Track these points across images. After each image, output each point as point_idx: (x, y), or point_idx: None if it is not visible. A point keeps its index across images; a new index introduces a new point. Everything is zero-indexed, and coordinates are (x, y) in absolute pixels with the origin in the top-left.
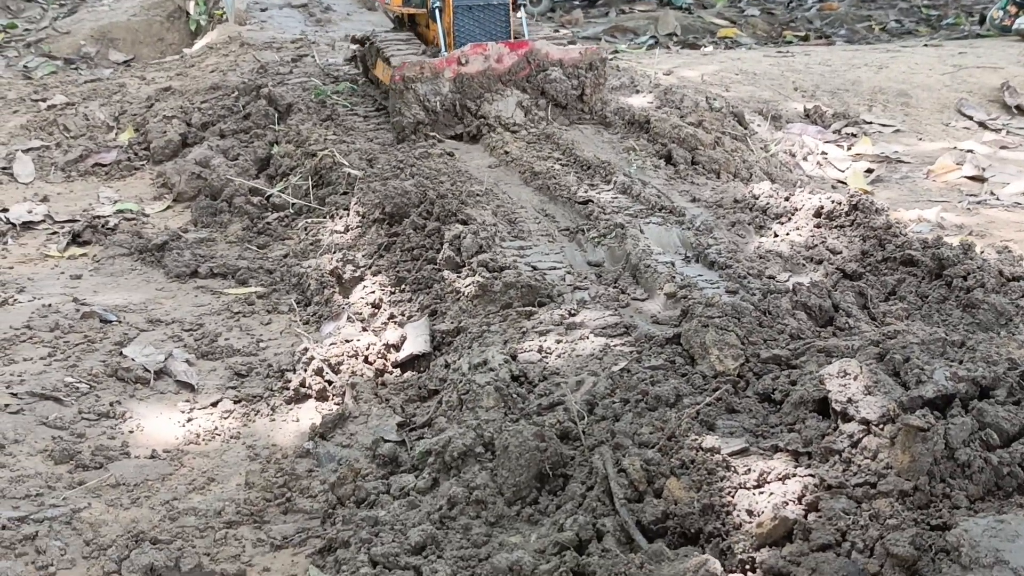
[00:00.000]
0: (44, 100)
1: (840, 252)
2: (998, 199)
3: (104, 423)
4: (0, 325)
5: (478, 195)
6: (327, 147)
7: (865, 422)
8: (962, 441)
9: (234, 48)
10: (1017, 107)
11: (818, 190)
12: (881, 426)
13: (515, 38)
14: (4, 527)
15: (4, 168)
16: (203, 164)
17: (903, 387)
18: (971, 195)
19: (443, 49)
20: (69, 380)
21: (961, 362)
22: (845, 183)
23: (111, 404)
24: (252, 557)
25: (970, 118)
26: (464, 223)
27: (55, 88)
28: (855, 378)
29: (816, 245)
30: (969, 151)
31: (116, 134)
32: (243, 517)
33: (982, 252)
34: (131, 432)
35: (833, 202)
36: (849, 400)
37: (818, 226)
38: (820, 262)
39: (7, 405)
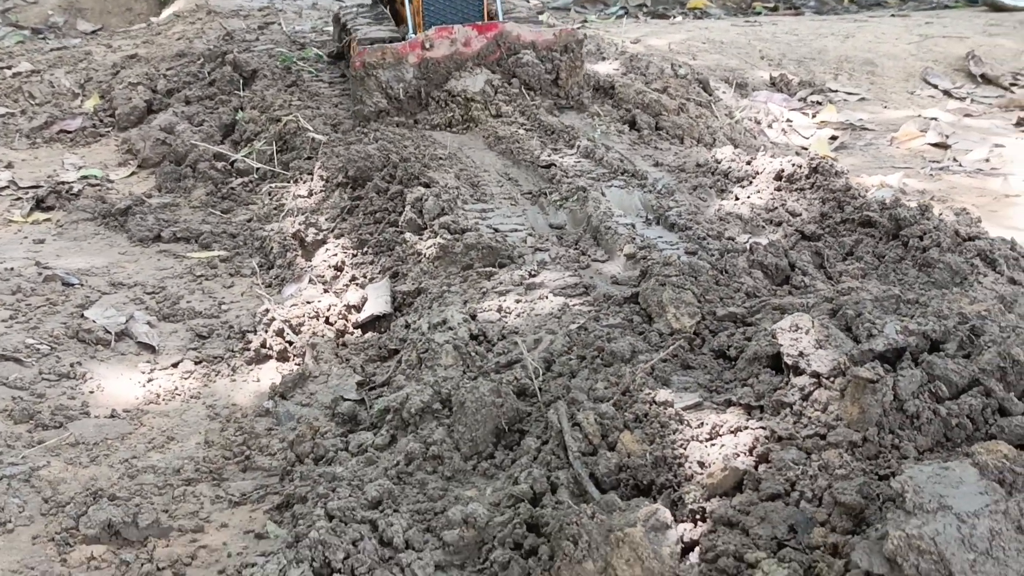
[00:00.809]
0: (9, 68)
1: (799, 214)
2: (961, 166)
3: (64, 383)
4: None
5: (441, 159)
6: (292, 112)
7: (816, 375)
8: (911, 393)
9: (201, 16)
10: (982, 76)
11: (780, 155)
12: (832, 379)
13: (489, 19)
14: None
15: None
16: (168, 130)
17: (854, 341)
18: (934, 162)
19: (410, 31)
20: (30, 342)
21: (912, 317)
22: (808, 149)
23: (72, 365)
24: (210, 514)
25: (935, 87)
26: (427, 186)
27: (20, 56)
28: (807, 332)
29: (776, 208)
30: (933, 119)
31: (81, 101)
32: (202, 475)
33: (940, 214)
34: (91, 392)
35: (793, 165)
36: (800, 354)
37: (778, 189)
38: (779, 224)
39: None
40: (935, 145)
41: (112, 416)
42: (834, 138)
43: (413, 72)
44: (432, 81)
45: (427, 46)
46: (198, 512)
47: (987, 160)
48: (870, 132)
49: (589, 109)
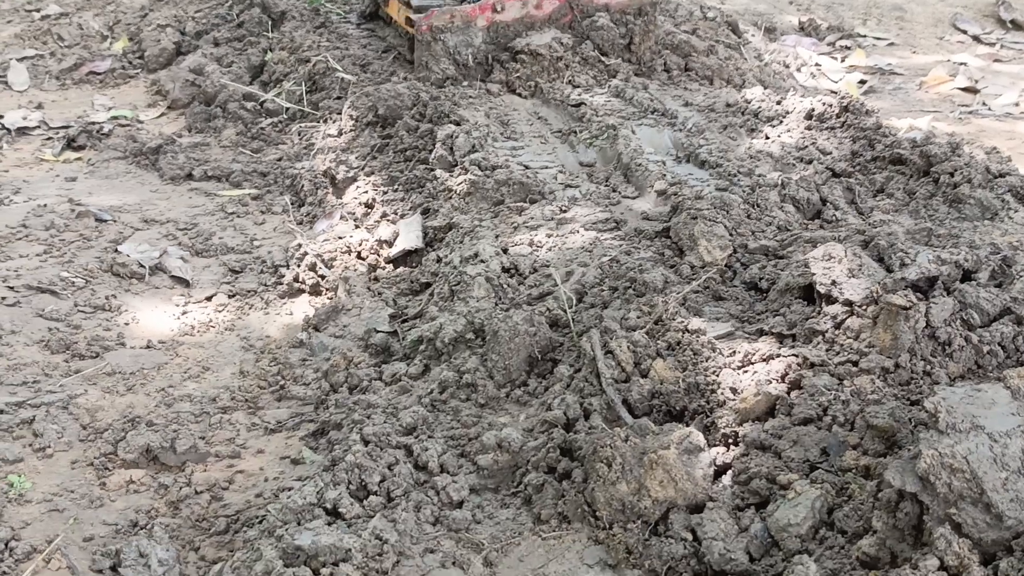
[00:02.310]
0: (38, 10)
1: (830, 152)
2: (990, 109)
3: (100, 315)
4: None
5: (471, 97)
6: (321, 53)
7: (848, 303)
8: (943, 320)
9: None
10: (1012, 21)
11: (810, 95)
12: (864, 307)
13: None
14: (2, 411)
15: None
16: (197, 72)
17: (887, 271)
18: (963, 106)
19: None
20: (65, 275)
21: (944, 248)
22: (837, 93)
23: (106, 298)
24: (246, 440)
25: (964, 32)
26: (457, 124)
27: None
28: (839, 261)
29: (807, 146)
30: (962, 63)
31: (110, 43)
32: (237, 403)
33: (970, 151)
34: (126, 324)
35: (824, 104)
36: (833, 283)
37: (809, 128)
38: (810, 162)
39: (3, 298)
40: (964, 89)
41: (148, 347)
42: (863, 82)
43: (482, 36)
44: (501, 46)
45: (498, 8)
46: (234, 439)
47: (1016, 104)
48: (899, 76)
49: (661, 77)
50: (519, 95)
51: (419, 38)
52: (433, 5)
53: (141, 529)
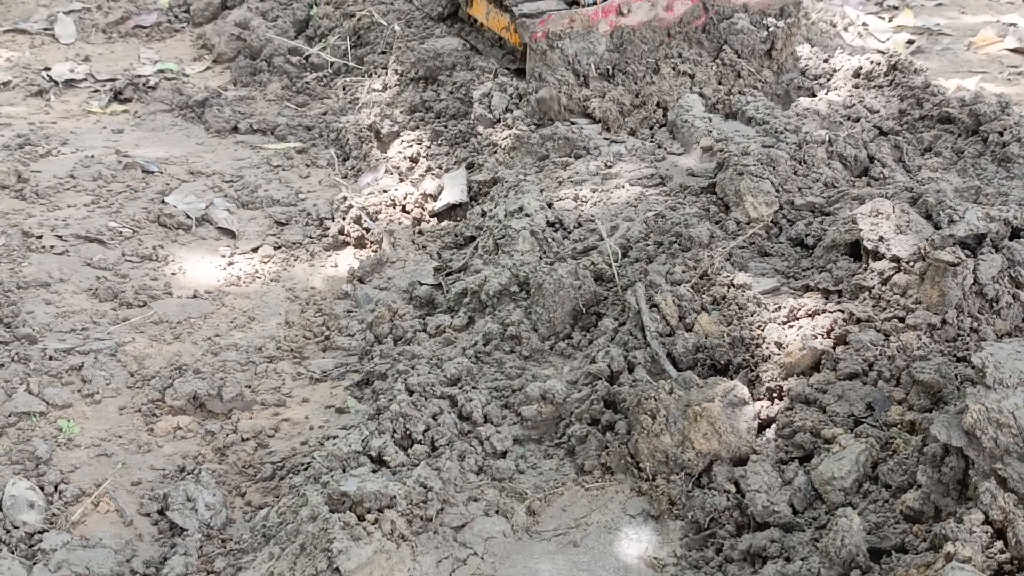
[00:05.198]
0: None
1: (878, 111)
2: None
3: (147, 265)
4: (44, 175)
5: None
6: (366, 8)
7: (896, 259)
8: (991, 277)
9: None
10: None
11: (858, 54)
12: (911, 263)
13: None
14: (51, 357)
15: (46, 29)
16: (243, 26)
17: (935, 228)
18: (1012, 67)
19: None
20: (112, 225)
21: (993, 206)
22: (885, 52)
23: (153, 248)
24: (292, 389)
25: None
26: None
27: None
28: (887, 217)
29: (854, 104)
30: (1012, 24)
31: None
32: (283, 353)
33: (1019, 111)
34: (173, 274)
35: (872, 63)
36: (880, 239)
37: (856, 86)
38: (857, 120)
39: (52, 247)
40: (1013, 51)
41: (194, 296)
42: (910, 42)
43: (605, 43)
44: (626, 55)
45: (623, 11)
46: (280, 388)
47: None
48: (947, 37)
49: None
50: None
51: (532, 46)
52: (538, 10)
53: (188, 474)
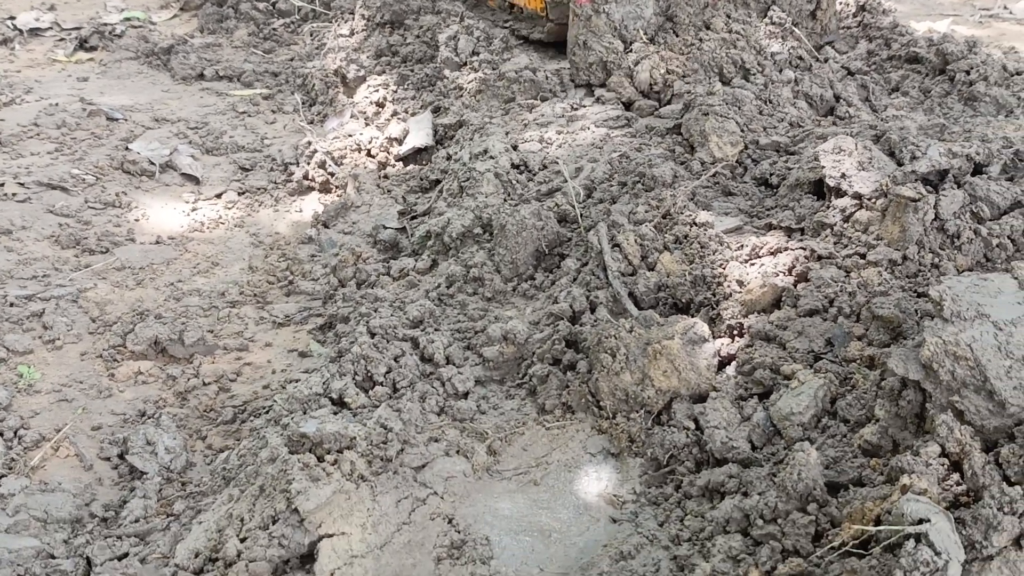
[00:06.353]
0: None
1: (845, 52)
2: (1011, 13)
3: (110, 212)
4: (8, 123)
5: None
6: None
7: (858, 196)
8: (953, 213)
9: None
10: None
11: None
12: (873, 200)
13: None
14: (12, 304)
15: None
16: None
17: (897, 164)
18: (984, 9)
19: None
20: (75, 172)
21: (956, 142)
22: None
23: (117, 194)
24: (255, 334)
25: None
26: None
27: None
28: (849, 154)
29: (822, 45)
30: None
31: None
32: (246, 298)
33: (987, 51)
34: (136, 220)
35: (840, 3)
36: (843, 176)
37: None
38: (826, 60)
39: (14, 194)
40: None
41: (157, 243)
42: None
43: (652, 7)
44: (676, 18)
45: None
46: (242, 332)
47: None
48: None
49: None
50: None
51: (576, 11)
52: None
53: (149, 419)
